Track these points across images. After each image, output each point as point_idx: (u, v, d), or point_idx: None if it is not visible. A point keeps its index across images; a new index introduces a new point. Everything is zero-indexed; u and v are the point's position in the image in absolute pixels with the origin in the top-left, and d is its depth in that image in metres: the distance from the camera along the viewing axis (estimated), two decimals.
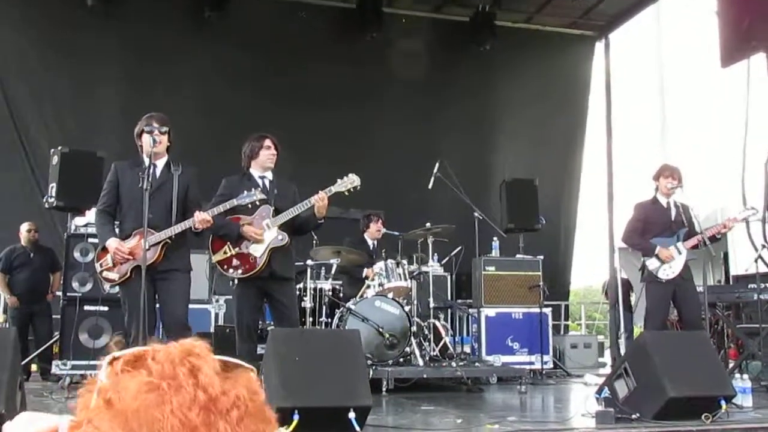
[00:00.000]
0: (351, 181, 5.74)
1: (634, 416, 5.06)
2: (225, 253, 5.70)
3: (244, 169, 5.89)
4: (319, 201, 5.59)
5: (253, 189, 5.43)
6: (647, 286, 7.06)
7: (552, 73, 12.79)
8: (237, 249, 5.66)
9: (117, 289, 5.57)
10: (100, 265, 5.29)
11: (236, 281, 5.76)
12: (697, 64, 12.61)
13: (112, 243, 5.19)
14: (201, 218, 5.13)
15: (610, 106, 12.62)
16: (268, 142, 5.83)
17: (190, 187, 5.39)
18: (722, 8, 9.74)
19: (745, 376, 6.22)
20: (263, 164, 5.84)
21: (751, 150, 9.08)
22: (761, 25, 8.85)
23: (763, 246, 8.41)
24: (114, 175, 5.39)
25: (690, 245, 6.91)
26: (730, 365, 8.21)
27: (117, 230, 5.39)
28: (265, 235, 5.63)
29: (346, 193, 5.75)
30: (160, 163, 5.35)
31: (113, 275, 5.24)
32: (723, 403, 5.07)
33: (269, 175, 5.89)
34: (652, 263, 6.91)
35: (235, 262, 5.67)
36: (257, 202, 5.54)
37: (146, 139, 5.20)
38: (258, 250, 5.62)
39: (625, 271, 11.72)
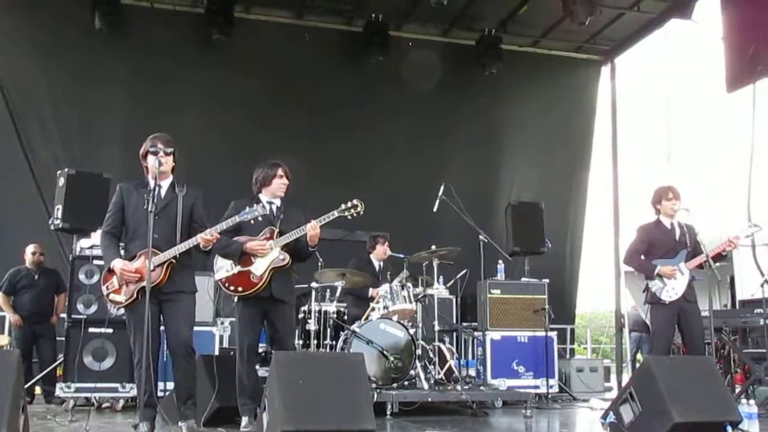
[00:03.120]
0: (354, 206, 5.79)
1: None
2: (227, 271, 5.73)
3: (255, 194, 5.93)
4: (311, 230, 5.64)
5: (254, 205, 5.47)
6: (651, 309, 6.93)
7: (558, 97, 12.82)
8: (239, 267, 5.69)
9: (123, 311, 5.56)
10: (107, 288, 5.27)
11: (236, 300, 5.79)
12: (702, 89, 12.65)
13: (118, 263, 5.19)
14: (205, 238, 5.13)
15: (615, 130, 12.67)
16: (281, 171, 5.92)
17: (194, 208, 5.38)
18: (728, 34, 9.80)
19: (752, 401, 6.16)
20: (274, 192, 5.91)
21: (756, 173, 9.08)
22: (767, 51, 8.90)
23: None
24: (119, 197, 5.39)
25: (693, 265, 6.81)
26: (737, 390, 8.16)
27: (123, 252, 5.39)
28: (268, 254, 5.66)
29: (349, 217, 5.80)
30: (165, 184, 5.36)
31: (120, 297, 5.22)
32: (729, 428, 5.06)
33: (277, 201, 5.95)
34: (654, 285, 6.81)
35: (236, 280, 5.69)
36: (259, 218, 5.56)
37: (151, 160, 5.23)
38: (259, 269, 5.65)
39: (632, 294, 11.66)
